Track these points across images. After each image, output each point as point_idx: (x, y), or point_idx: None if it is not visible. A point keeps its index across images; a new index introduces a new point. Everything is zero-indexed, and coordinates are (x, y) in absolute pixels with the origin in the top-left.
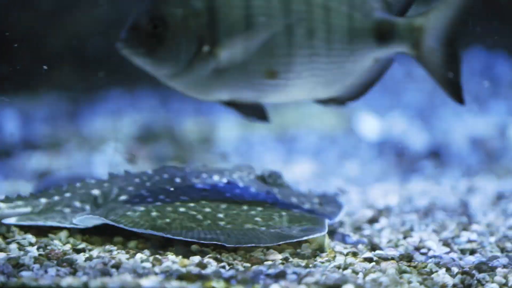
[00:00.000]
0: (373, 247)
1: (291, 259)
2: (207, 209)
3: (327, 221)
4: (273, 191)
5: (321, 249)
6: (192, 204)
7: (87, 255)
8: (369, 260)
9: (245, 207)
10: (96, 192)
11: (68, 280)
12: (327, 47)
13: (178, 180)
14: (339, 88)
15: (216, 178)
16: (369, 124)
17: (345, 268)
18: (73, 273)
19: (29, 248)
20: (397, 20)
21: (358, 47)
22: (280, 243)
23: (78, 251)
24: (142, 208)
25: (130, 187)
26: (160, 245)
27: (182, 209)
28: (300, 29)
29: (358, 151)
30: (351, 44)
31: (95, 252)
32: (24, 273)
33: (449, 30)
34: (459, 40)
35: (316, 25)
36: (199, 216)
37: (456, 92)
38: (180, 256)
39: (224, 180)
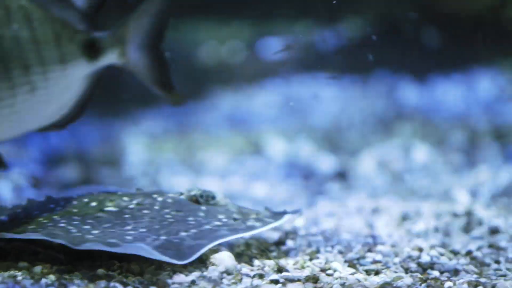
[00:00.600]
0: (280, 269)
1: (197, 282)
2: (87, 227)
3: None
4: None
5: (228, 272)
6: (76, 221)
7: None
8: (276, 282)
9: (129, 227)
10: None
11: None
12: (44, 79)
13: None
14: (60, 113)
15: (134, 201)
16: (277, 146)
17: None
18: None
19: None
20: (100, 35)
21: (72, 72)
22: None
23: None
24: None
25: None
26: (66, 270)
27: (62, 224)
28: (17, 67)
29: (266, 174)
30: (65, 70)
31: None
32: None
33: (150, 36)
34: (162, 44)
35: (30, 60)
36: (74, 230)
37: (170, 92)
38: (86, 281)
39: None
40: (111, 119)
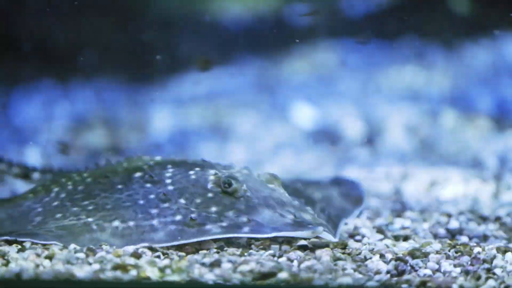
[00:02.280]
0: None
1: (226, 248)
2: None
3: None
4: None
5: (256, 238)
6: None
7: (19, 246)
8: (304, 247)
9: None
10: None
11: (1, 271)
12: None
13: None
14: None
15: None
16: (304, 113)
17: (280, 256)
18: (6, 264)
19: None
20: None
21: None
22: None
23: (10, 243)
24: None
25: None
26: None
27: None
28: None
29: (293, 140)
30: None
31: (27, 244)
32: None
33: None
34: None
35: None
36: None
37: None
38: (114, 246)
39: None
40: (138, 85)
